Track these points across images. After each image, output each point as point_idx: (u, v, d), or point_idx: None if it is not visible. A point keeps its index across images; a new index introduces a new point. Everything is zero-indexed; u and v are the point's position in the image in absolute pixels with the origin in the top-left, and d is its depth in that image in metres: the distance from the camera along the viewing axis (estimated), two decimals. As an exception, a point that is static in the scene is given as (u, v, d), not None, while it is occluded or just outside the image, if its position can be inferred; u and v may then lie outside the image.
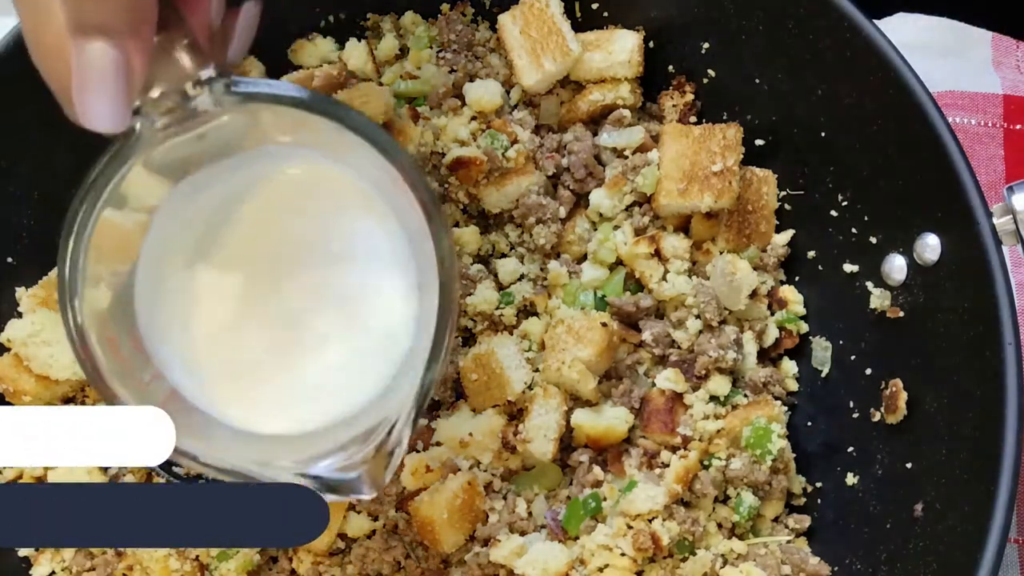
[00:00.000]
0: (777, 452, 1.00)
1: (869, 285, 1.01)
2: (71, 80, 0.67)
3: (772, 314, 1.09)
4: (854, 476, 1.01)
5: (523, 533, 0.98)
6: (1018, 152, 1.24)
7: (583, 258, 1.09)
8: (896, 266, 0.99)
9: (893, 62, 0.95)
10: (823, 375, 1.07)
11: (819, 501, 1.04)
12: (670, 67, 1.13)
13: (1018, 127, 1.25)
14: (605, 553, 0.96)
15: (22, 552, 1.02)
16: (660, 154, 1.07)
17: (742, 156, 1.06)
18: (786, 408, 1.07)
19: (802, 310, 1.09)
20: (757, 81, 1.07)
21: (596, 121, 1.12)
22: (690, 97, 1.12)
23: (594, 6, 1.12)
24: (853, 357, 1.04)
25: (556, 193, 1.10)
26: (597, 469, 1.01)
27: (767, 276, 1.09)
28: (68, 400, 1.06)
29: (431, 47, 1.13)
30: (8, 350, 1.03)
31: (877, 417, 1.00)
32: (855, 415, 1.03)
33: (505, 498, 1.00)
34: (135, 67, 0.67)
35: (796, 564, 0.98)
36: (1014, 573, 1.09)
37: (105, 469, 1.03)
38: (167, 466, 0.99)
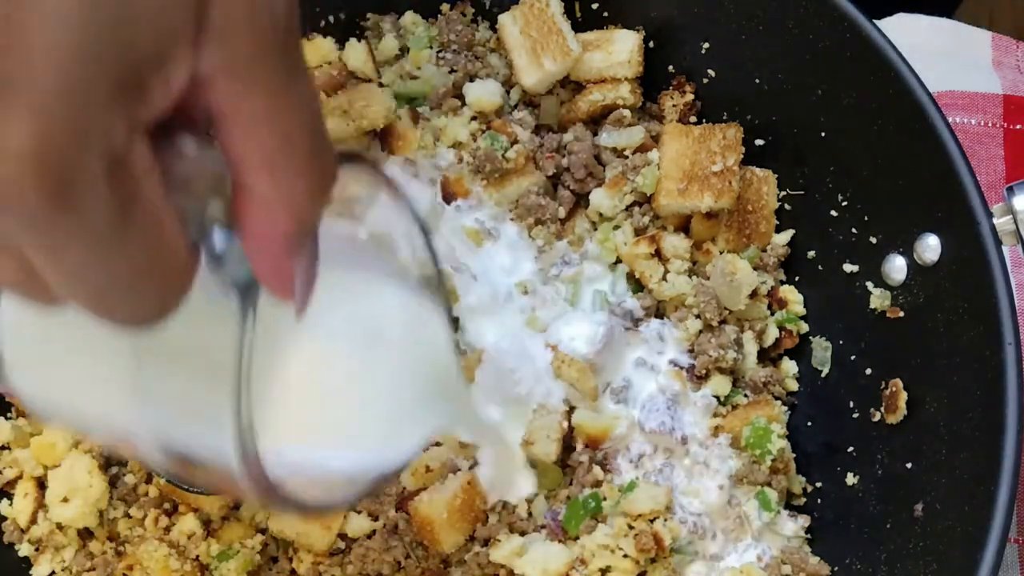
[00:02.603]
0: (777, 452, 1.00)
1: (869, 285, 1.01)
2: None
3: (772, 314, 1.09)
4: (854, 476, 1.01)
5: (523, 533, 0.98)
6: (1018, 152, 1.24)
7: (583, 258, 1.09)
8: (896, 266, 0.99)
9: (893, 62, 0.95)
10: (823, 375, 1.07)
11: (819, 501, 1.04)
12: (670, 67, 1.13)
13: (1018, 127, 1.25)
14: (606, 554, 0.96)
15: (22, 552, 1.02)
16: (660, 154, 1.07)
17: (742, 156, 1.06)
18: (786, 408, 1.07)
19: (802, 310, 1.09)
20: (757, 81, 1.07)
21: (596, 121, 1.12)
22: (690, 97, 1.12)
23: (594, 6, 1.12)
24: (853, 357, 1.04)
25: (556, 193, 1.09)
26: (597, 469, 1.01)
27: (767, 276, 1.09)
28: (68, 400, 1.06)
29: (431, 47, 1.13)
30: (8, 350, 1.03)
31: (877, 417, 1.00)
32: (855, 415, 1.03)
33: (505, 498, 1.00)
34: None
35: (796, 564, 0.98)
36: (1014, 573, 1.09)
37: (106, 469, 1.03)
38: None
